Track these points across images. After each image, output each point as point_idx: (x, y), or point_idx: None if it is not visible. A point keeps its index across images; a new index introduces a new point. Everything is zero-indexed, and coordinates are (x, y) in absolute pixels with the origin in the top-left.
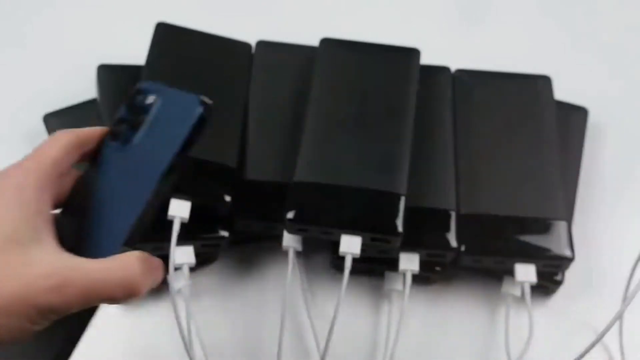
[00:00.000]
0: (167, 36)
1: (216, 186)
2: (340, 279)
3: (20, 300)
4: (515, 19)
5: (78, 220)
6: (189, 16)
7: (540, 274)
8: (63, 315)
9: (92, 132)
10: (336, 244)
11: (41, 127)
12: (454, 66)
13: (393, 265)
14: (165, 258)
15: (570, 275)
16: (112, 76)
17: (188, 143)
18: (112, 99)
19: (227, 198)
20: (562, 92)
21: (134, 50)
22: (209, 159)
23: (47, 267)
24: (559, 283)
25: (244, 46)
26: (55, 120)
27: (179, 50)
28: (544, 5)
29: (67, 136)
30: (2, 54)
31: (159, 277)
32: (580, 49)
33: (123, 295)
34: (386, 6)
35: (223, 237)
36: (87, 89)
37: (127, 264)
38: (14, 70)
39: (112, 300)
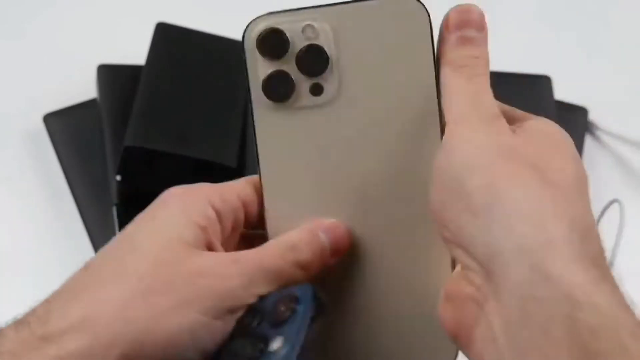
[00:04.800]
0: (167, 36)
1: None
2: None
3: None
4: (515, 19)
5: None
6: (189, 16)
7: None
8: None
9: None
10: None
11: (41, 127)
12: None
13: None
14: None
15: None
16: (112, 76)
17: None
18: (112, 99)
19: None
20: (562, 92)
21: (134, 50)
22: (209, 159)
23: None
24: None
25: None
26: (55, 120)
27: (179, 50)
28: (544, 6)
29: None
30: (2, 54)
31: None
32: (580, 49)
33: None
34: None
35: None
36: (87, 89)
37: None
38: (14, 70)
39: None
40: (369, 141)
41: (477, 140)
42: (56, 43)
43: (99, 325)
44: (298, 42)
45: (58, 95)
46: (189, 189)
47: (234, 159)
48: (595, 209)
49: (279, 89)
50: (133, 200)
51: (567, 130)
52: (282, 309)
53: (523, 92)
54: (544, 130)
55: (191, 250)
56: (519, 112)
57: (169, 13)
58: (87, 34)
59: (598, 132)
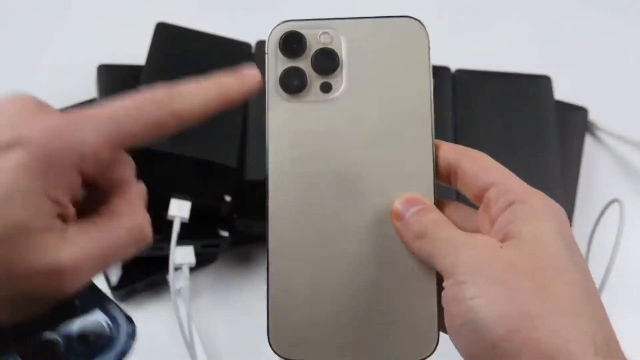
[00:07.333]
0: (167, 36)
1: (216, 186)
2: None
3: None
4: (515, 19)
5: None
6: (189, 16)
7: None
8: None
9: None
10: None
11: None
12: (454, 66)
13: None
14: (165, 258)
15: None
16: (112, 76)
17: None
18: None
19: (227, 198)
20: (562, 92)
21: (134, 50)
22: (209, 159)
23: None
24: None
25: (244, 46)
26: None
27: (179, 50)
28: (544, 6)
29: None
30: (2, 54)
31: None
32: (580, 49)
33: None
34: (386, 7)
35: (223, 237)
36: (87, 89)
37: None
38: (14, 70)
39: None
40: (365, 137)
41: (489, 292)
42: (56, 43)
43: None
44: (314, 45)
45: (58, 95)
46: (55, 145)
47: (234, 159)
48: (595, 209)
49: (293, 83)
50: None
51: (567, 130)
52: (92, 339)
53: (523, 92)
54: (536, 240)
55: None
56: (514, 187)
57: (169, 13)
58: (87, 34)
59: (598, 132)
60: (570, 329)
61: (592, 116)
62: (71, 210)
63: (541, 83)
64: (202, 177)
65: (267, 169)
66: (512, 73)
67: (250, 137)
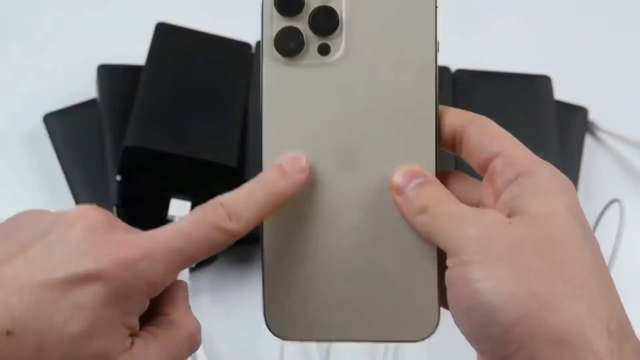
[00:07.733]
0: (167, 36)
1: (216, 186)
2: None
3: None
4: (515, 19)
5: None
6: (189, 16)
7: None
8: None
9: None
10: None
11: (41, 127)
12: (454, 66)
13: None
14: None
15: None
16: (112, 76)
17: None
18: (112, 99)
19: None
20: (562, 92)
21: (134, 50)
22: (209, 159)
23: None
24: None
25: (244, 46)
26: (55, 120)
27: (179, 50)
28: (544, 6)
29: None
30: (2, 54)
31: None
32: (580, 49)
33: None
34: None
35: None
36: (87, 89)
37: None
38: (14, 70)
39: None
40: (364, 103)
41: (499, 272)
42: (56, 43)
43: None
44: (313, 3)
45: (58, 95)
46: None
47: (234, 159)
48: (595, 209)
49: (289, 44)
50: (133, 201)
51: (567, 130)
52: None
53: (523, 92)
54: (546, 217)
55: None
56: (520, 157)
57: (169, 13)
58: (87, 34)
59: (598, 132)
60: (585, 312)
61: (592, 116)
62: (137, 326)
63: (541, 83)
64: (202, 177)
65: (262, 135)
66: (512, 73)
67: (250, 136)
